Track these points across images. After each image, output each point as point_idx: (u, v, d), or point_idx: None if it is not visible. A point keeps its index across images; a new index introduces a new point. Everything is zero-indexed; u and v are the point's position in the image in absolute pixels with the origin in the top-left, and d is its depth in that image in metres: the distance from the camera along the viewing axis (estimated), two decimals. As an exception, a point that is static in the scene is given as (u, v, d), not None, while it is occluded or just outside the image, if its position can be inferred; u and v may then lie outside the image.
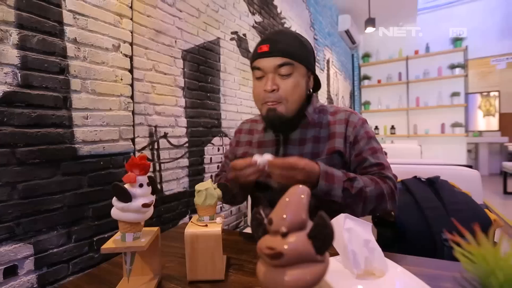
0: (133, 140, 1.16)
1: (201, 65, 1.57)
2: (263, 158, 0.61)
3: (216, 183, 0.59)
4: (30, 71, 0.83)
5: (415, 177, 1.04)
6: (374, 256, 0.38)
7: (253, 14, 2.10)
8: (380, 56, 5.93)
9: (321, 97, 3.70)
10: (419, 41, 5.49)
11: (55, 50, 0.89)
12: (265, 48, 0.68)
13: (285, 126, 0.74)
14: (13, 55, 0.79)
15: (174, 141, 1.37)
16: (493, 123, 5.65)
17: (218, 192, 0.56)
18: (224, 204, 1.75)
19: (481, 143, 5.47)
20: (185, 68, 1.45)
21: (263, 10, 2.25)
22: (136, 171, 0.46)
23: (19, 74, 0.80)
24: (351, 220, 0.41)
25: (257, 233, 0.26)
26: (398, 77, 5.70)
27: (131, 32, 1.16)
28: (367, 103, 6.07)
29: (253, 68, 0.72)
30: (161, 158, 1.30)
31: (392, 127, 5.75)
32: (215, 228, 0.53)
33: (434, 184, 0.97)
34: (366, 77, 6.03)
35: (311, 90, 0.79)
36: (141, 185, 0.47)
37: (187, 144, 1.46)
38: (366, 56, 6.05)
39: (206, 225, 0.54)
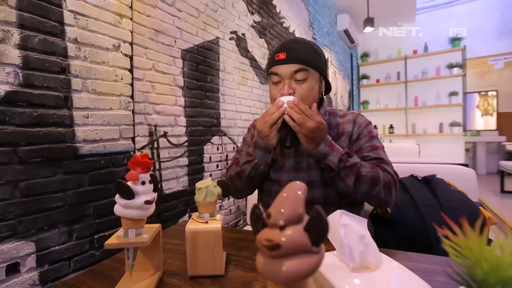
0: (133, 139, 1.17)
1: (200, 65, 1.58)
2: (286, 98, 0.70)
3: (216, 181, 0.60)
4: (31, 70, 0.84)
5: (411, 175, 1.05)
6: (369, 250, 0.39)
7: (252, 13, 2.11)
8: (379, 56, 5.95)
9: (320, 96, 3.71)
10: (418, 40, 5.51)
11: (56, 50, 0.90)
12: (282, 56, 0.74)
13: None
14: (14, 55, 0.80)
15: (173, 140, 1.39)
16: (491, 122, 5.68)
17: (218, 190, 0.58)
18: (223, 203, 1.77)
19: (479, 142, 5.50)
20: (185, 67, 1.47)
21: (262, 10, 2.26)
22: (139, 169, 0.48)
23: (21, 74, 0.81)
24: (347, 216, 0.42)
25: (256, 227, 0.27)
26: (397, 77, 5.72)
27: (131, 32, 1.17)
28: (365, 103, 6.10)
29: (270, 74, 0.78)
30: (160, 157, 1.31)
31: (391, 126, 5.78)
32: (215, 224, 0.54)
33: (430, 182, 0.98)
34: (365, 77, 6.05)
35: (323, 93, 0.84)
36: (143, 183, 0.48)
37: (186, 143, 1.47)
38: (365, 55, 6.07)
39: (207, 222, 0.55)
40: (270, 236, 0.24)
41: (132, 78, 1.17)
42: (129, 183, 0.47)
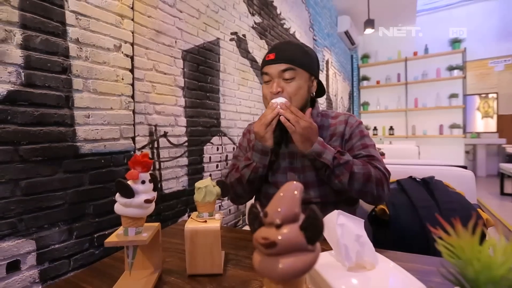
0: (133, 139, 1.18)
1: (201, 65, 1.59)
2: (279, 100, 0.74)
3: (215, 181, 0.60)
4: (33, 70, 0.84)
5: (410, 177, 1.06)
6: (365, 250, 0.40)
7: (252, 15, 2.12)
8: (379, 57, 5.96)
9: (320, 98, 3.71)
10: (418, 42, 5.53)
11: (57, 50, 0.91)
12: (271, 56, 0.79)
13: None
14: (16, 55, 0.81)
15: (173, 140, 1.39)
16: (491, 124, 5.68)
17: (217, 190, 0.58)
18: (222, 203, 1.77)
19: (479, 144, 5.50)
20: (185, 68, 1.47)
21: (262, 11, 2.27)
22: (139, 168, 0.48)
23: (23, 74, 0.82)
24: (344, 217, 0.43)
25: (253, 226, 0.28)
26: (397, 78, 5.73)
27: (132, 33, 1.18)
28: (366, 104, 6.10)
29: (262, 74, 0.82)
30: (160, 157, 1.32)
31: (391, 128, 5.79)
32: (214, 224, 0.55)
33: (428, 184, 0.99)
34: (365, 78, 6.06)
35: (313, 94, 0.87)
36: (143, 182, 0.48)
37: (186, 143, 1.47)
38: (365, 57, 6.08)
39: (206, 221, 0.56)
40: (267, 235, 0.25)
41: (133, 78, 1.18)
42: (129, 182, 0.48)
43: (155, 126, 1.29)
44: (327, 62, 4.04)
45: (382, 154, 2.69)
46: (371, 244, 0.41)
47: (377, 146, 3.24)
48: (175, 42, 1.41)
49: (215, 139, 1.70)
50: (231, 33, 1.87)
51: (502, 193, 3.95)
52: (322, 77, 3.79)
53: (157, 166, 1.30)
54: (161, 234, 0.58)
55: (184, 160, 1.46)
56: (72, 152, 0.94)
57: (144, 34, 1.24)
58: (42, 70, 0.87)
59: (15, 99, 0.80)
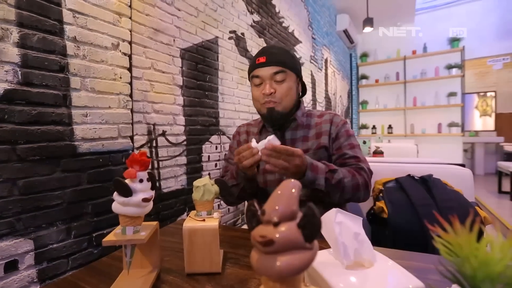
0: (131, 137, 1.17)
1: (200, 64, 1.58)
2: (257, 144, 0.67)
3: (214, 179, 0.60)
4: (30, 69, 0.84)
5: (408, 175, 1.06)
6: (363, 248, 0.40)
7: (251, 13, 2.12)
8: (378, 56, 5.97)
9: (319, 96, 3.72)
10: (417, 41, 5.53)
11: (55, 48, 0.90)
12: (262, 59, 0.81)
13: (283, 121, 0.85)
14: (13, 53, 0.80)
15: (172, 139, 1.39)
16: (489, 123, 5.70)
17: (215, 188, 0.58)
18: (222, 202, 1.77)
19: (477, 143, 5.52)
20: (184, 66, 1.47)
21: (261, 10, 2.26)
22: (137, 167, 0.48)
23: (20, 72, 0.82)
24: (342, 215, 0.43)
25: (251, 224, 0.27)
26: (396, 77, 5.74)
27: (130, 31, 1.17)
28: (364, 103, 6.11)
29: (252, 77, 0.84)
30: (159, 155, 1.31)
31: (390, 127, 5.80)
32: (213, 222, 0.55)
33: (427, 182, 0.99)
34: (364, 77, 6.07)
35: (300, 94, 0.91)
36: (141, 181, 0.48)
37: (185, 142, 1.47)
38: (364, 55, 6.09)
39: (204, 220, 0.55)
40: (264, 233, 0.25)
41: (131, 77, 1.17)
42: (127, 181, 0.48)
43: (154, 125, 1.29)
44: (326, 60, 4.04)
45: (381, 153, 2.70)
46: (369, 242, 0.41)
47: (376, 144, 3.24)
48: (174, 40, 1.40)
49: (214, 138, 1.70)
50: (230, 32, 1.86)
51: (500, 191, 3.96)
52: (320, 75, 3.79)
53: (155, 165, 1.30)
54: (160, 233, 0.58)
55: (183, 159, 1.46)
56: (70, 151, 0.94)
57: (142, 33, 1.23)
58: (39, 69, 0.86)
59: (12, 98, 0.80)
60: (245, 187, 0.81)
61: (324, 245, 0.42)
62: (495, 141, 5.37)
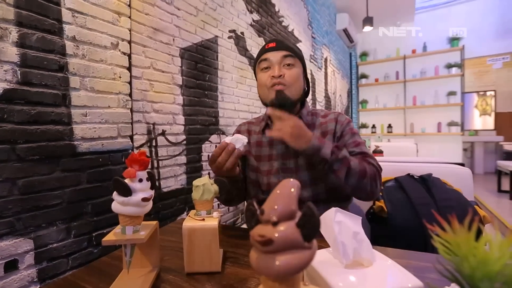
0: (131, 137, 1.17)
1: (199, 63, 1.58)
2: (231, 137, 0.67)
3: (213, 179, 0.60)
4: (29, 68, 0.84)
5: (408, 174, 1.06)
6: (362, 247, 0.40)
7: (251, 12, 2.11)
8: (378, 55, 5.97)
9: (319, 95, 3.72)
10: (417, 40, 5.53)
11: (54, 48, 0.90)
12: (272, 44, 0.82)
13: (289, 108, 0.81)
14: (12, 53, 0.80)
15: (172, 138, 1.39)
16: (489, 122, 5.70)
17: (215, 188, 0.58)
18: (221, 201, 1.77)
19: (477, 142, 5.52)
20: (183, 66, 1.47)
21: (261, 9, 2.26)
22: (136, 167, 0.48)
23: (19, 72, 0.81)
24: (341, 214, 0.43)
25: (250, 223, 0.28)
26: (396, 76, 5.74)
27: (130, 30, 1.17)
28: (364, 102, 6.11)
29: (260, 61, 0.82)
30: (159, 155, 1.31)
31: (389, 126, 5.80)
32: (212, 222, 0.55)
33: (426, 181, 0.99)
34: (364, 76, 6.07)
35: (306, 89, 0.88)
36: (140, 180, 0.48)
37: (184, 142, 1.47)
38: (364, 55, 6.08)
39: (203, 219, 0.56)
40: (263, 232, 0.25)
41: (131, 76, 1.17)
42: (126, 181, 0.48)
43: (153, 124, 1.29)
44: (325, 60, 4.04)
45: (381, 152, 2.70)
46: (368, 241, 0.41)
47: (376, 143, 3.24)
48: (173, 40, 1.40)
49: (214, 137, 1.70)
50: (229, 31, 1.86)
51: (499, 190, 3.97)
52: (320, 74, 3.79)
53: (155, 165, 1.30)
54: (160, 233, 0.58)
55: (183, 159, 1.46)
56: (69, 150, 0.94)
57: (142, 32, 1.23)
58: (38, 68, 0.86)
59: (11, 97, 0.80)
60: (230, 190, 0.76)
61: (323, 244, 0.42)
62: (495, 140, 5.37)
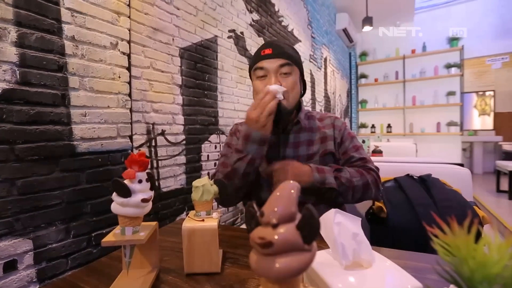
0: (130, 137, 1.17)
1: (199, 63, 1.58)
2: (277, 87, 0.72)
3: (213, 180, 0.60)
4: (28, 68, 0.84)
5: (407, 175, 1.06)
6: (361, 248, 0.40)
7: (250, 12, 2.11)
8: (377, 55, 5.97)
9: (318, 95, 3.72)
10: (416, 40, 5.53)
11: (53, 47, 0.90)
12: (268, 51, 0.77)
13: (287, 117, 0.81)
14: (11, 53, 0.80)
15: (171, 138, 1.39)
16: (488, 122, 5.71)
17: (214, 188, 0.58)
18: (221, 201, 1.77)
19: (476, 142, 5.53)
20: (183, 66, 1.46)
21: (260, 8, 2.26)
22: (135, 167, 0.48)
23: (18, 72, 0.81)
24: (341, 215, 0.43)
25: (250, 225, 0.28)
26: (395, 76, 5.74)
27: (129, 30, 1.17)
28: (364, 102, 6.11)
29: (256, 69, 0.79)
30: (158, 155, 1.31)
31: (389, 126, 5.80)
32: (212, 222, 0.55)
33: (425, 181, 1.00)
34: (363, 76, 6.07)
35: (302, 92, 0.87)
36: (140, 181, 0.48)
37: (184, 142, 1.47)
38: (363, 54, 6.09)
39: (203, 220, 0.56)
40: (263, 234, 0.25)
41: (130, 76, 1.17)
42: (126, 181, 0.48)
43: (153, 124, 1.28)
44: (325, 59, 4.04)
45: (380, 152, 2.70)
46: (367, 243, 0.41)
47: (375, 143, 3.24)
48: (173, 39, 1.40)
49: (213, 137, 1.70)
50: (229, 31, 1.86)
51: (498, 190, 3.98)
52: (320, 74, 3.79)
53: (154, 165, 1.29)
54: (159, 233, 0.58)
55: (182, 159, 1.46)
56: (68, 151, 0.94)
57: (141, 32, 1.23)
58: (37, 68, 0.86)
59: (10, 97, 0.79)
60: (253, 157, 0.73)
61: (323, 245, 0.43)
62: (494, 140, 5.39)
